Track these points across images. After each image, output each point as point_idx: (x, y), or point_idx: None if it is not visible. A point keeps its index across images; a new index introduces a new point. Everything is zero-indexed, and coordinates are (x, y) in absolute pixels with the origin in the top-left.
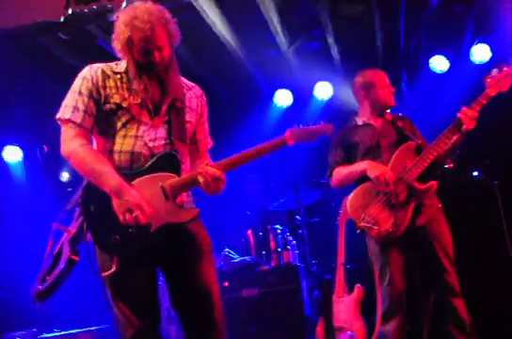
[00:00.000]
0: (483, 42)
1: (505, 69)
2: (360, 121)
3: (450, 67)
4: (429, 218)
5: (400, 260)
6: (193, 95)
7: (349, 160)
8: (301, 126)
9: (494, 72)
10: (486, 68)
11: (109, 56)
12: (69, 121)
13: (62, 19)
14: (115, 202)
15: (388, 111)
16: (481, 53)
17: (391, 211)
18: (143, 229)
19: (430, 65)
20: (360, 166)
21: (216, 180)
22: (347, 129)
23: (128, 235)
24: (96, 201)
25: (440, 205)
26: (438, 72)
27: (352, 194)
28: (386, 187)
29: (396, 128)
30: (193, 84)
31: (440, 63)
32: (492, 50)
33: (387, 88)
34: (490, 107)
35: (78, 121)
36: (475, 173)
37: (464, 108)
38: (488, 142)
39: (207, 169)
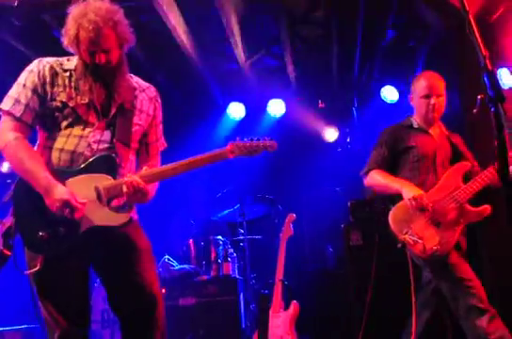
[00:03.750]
0: None
1: None
2: (415, 124)
3: (399, 98)
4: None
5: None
6: (146, 97)
7: (392, 161)
8: (245, 140)
9: None
10: None
11: (63, 49)
12: (8, 113)
13: (16, 3)
14: (46, 201)
15: (440, 123)
16: None
17: (437, 230)
18: (73, 229)
19: (381, 94)
20: (395, 185)
21: (137, 191)
22: (401, 128)
23: (56, 234)
24: (26, 197)
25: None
26: (388, 101)
27: (396, 206)
28: (419, 210)
29: (452, 144)
30: (147, 84)
31: (390, 93)
32: None
33: (426, 98)
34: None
35: (18, 114)
36: None
37: None
38: None
39: (133, 179)
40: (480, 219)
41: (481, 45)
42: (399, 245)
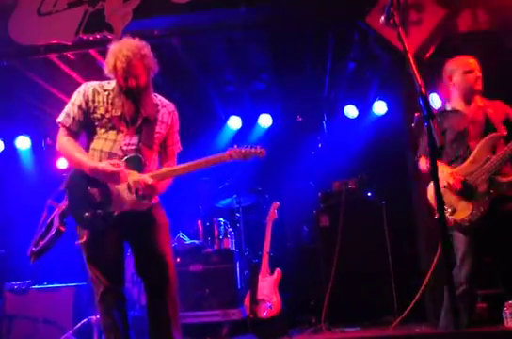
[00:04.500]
0: (382, 100)
1: None
2: (448, 107)
3: (358, 115)
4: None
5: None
6: (166, 111)
7: None
8: (241, 147)
9: None
10: (383, 118)
11: (105, 75)
12: (60, 123)
13: (72, 42)
14: (95, 175)
15: (479, 97)
16: (380, 107)
17: (469, 201)
18: (109, 211)
19: (344, 111)
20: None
21: (147, 187)
22: (437, 115)
23: (96, 215)
24: (76, 186)
25: None
26: (350, 117)
27: (431, 183)
28: (452, 188)
29: (486, 116)
30: (168, 102)
31: (351, 111)
32: (388, 106)
33: (471, 73)
34: (385, 142)
35: (67, 124)
36: (369, 194)
37: None
38: (380, 170)
39: (143, 177)
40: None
41: (417, 76)
42: (436, 216)
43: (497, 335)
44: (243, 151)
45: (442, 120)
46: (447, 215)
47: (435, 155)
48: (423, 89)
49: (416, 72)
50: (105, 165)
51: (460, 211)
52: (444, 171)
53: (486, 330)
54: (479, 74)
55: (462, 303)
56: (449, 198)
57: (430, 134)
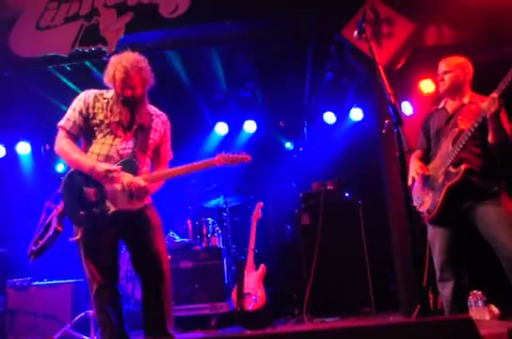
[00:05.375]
0: (358, 107)
1: None
2: (441, 106)
3: (336, 121)
4: (475, 200)
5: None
6: (159, 121)
7: (429, 142)
8: (228, 153)
9: None
10: (359, 124)
11: (99, 85)
12: (61, 127)
13: (68, 54)
14: (93, 174)
15: (471, 93)
16: (357, 114)
17: (432, 193)
18: (104, 211)
19: (323, 118)
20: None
21: (140, 189)
22: (430, 113)
23: (91, 214)
24: (71, 188)
25: (495, 188)
26: (328, 123)
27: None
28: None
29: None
30: (161, 112)
31: (329, 117)
32: (364, 113)
33: (438, 77)
34: (361, 146)
35: (68, 128)
36: (347, 194)
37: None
38: (357, 172)
39: (136, 180)
40: (459, 179)
41: (387, 86)
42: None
43: (457, 323)
44: (230, 156)
45: (431, 117)
46: (417, 207)
47: (403, 159)
48: (392, 98)
49: (386, 82)
50: (103, 164)
51: (425, 203)
52: (414, 166)
53: (448, 318)
54: (440, 77)
55: (451, 294)
56: (419, 192)
57: (399, 139)
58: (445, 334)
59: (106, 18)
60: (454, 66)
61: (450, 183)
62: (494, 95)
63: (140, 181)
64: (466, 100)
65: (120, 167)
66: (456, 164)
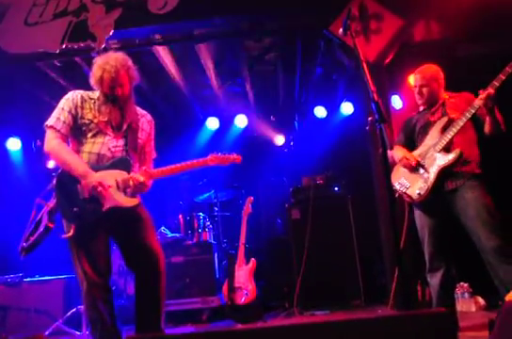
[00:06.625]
0: (349, 101)
1: None
2: (421, 108)
3: (327, 115)
4: (461, 184)
5: (435, 221)
6: (145, 120)
7: (409, 141)
8: (220, 153)
9: None
10: (350, 118)
11: (88, 80)
12: (51, 127)
13: (58, 51)
14: (83, 183)
15: (445, 92)
16: (347, 108)
17: (420, 177)
18: (97, 208)
19: (314, 112)
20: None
21: (140, 184)
22: (412, 116)
23: (85, 210)
24: (64, 184)
25: (477, 171)
26: (319, 117)
27: (394, 169)
28: (407, 164)
29: (443, 107)
30: (145, 112)
31: (320, 112)
32: (354, 107)
33: (414, 89)
34: (351, 140)
35: (58, 127)
36: (336, 188)
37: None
38: (346, 166)
39: (136, 175)
40: (454, 160)
41: (370, 83)
42: (396, 195)
43: (445, 315)
44: (222, 156)
45: (414, 119)
46: (404, 190)
47: (386, 154)
48: (375, 95)
49: (369, 79)
50: (97, 176)
51: (413, 187)
52: (402, 154)
53: (436, 312)
54: (417, 90)
55: (439, 284)
56: (406, 176)
57: (381, 136)
58: (424, 327)
59: (95, 14)
60: (429, 79)
61: (444, 164)
62: (490, 91)
63: (140, 177)
64: (445, 96)
65: (110, 185)
66: (446, 149)
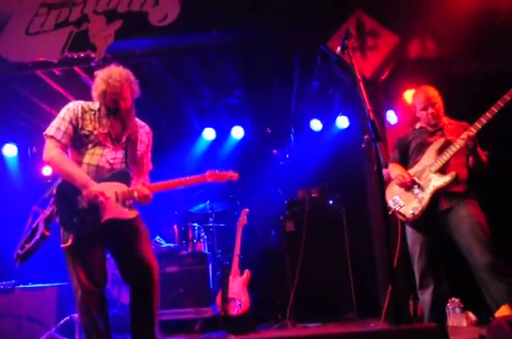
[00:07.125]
0: (345, 115)
1: None
2: (417, 126)
3: (323, 128)
4: (455, 204)
5: (427, 239)
6: (143, 132)
7: (403, 158)
8: (217, 170)
9: None
10: (346, 132)
11: (87, 89)
12: (52, 137)
13: (57, 60)
14: (84, 193)
15: (445, 117)
16: (343, 121)
17: (415, 197)
18: (96, 218)
19: (310, 125)
20: (390, 171)
21: (144, 197)
22: (407, 133)
23: (84, 220)
24: (65, 194)
25: (469, 190)
26: (315, 130)
27: (388, 187)
28: (403, 183)
29: (442, 131)
30: (144, 123)
31: (316, 125)
32: (350, 121)
33: (426, 110)
34: (346, 154)
35: (58, 137)
36: (331, 202)
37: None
38: (341, 179)
39: (142, 188)
40: (449, 182)
41: (366, 102)
42: (390, 212)
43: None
44: (219, 174)
45: (410, 135)
46: (397, 209)
47: (381, 171)
48: (371, 114)
49: (366, 98)
50: (98, 186)
51: (407, 206)
52: (397, 172)
53: (427, 326)
54: (432, 111)
55: (430, 300)
56: (400, 195)
57: (377, 154)
58: None
59: (96, 24)
60: (437, 97)
61: (440, 185)
62: (470, 134)
63: (145, 189)
64: (445, 121)
65: (109, 197)
66: (441, 171)
